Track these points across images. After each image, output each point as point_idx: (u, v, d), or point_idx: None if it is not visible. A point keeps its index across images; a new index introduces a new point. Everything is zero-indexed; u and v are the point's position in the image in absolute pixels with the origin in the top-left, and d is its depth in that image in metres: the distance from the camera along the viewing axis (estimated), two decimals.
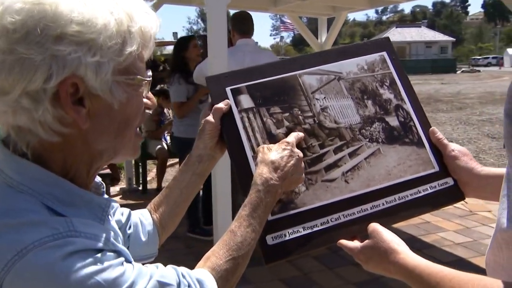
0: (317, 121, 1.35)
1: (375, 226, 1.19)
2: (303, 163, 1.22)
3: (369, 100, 1.41)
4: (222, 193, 3.59)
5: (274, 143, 1.25)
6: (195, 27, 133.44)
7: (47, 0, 0.81)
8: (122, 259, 0.84)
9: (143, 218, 1.28)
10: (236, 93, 1.33)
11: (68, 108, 0.85)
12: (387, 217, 1.28)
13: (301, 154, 1.21)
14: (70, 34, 0.82)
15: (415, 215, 1.33)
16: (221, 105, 1.30)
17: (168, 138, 7.05)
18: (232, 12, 5.31)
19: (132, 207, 1.28)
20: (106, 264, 0.79)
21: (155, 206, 1.31)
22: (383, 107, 1.41)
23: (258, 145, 1.28)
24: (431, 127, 1.40)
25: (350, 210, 1.27)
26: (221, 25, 3.40)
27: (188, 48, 5.10)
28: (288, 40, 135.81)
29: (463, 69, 59.88)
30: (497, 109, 17.03)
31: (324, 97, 1.38)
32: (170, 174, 8.04)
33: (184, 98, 4.99)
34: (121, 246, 0.87)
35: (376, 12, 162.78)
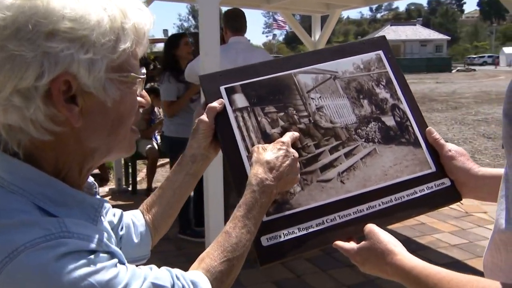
0: (312, 121, 1.35)
1: (371, 227, 1.20)
2: (298, 163, 1.22)
3: (365, 99, 1.42)
4: (214, 194, 3.58)
5: (269, 142, 1.25)
6: (186, 24, 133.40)
7: None
8: (115, 260, 0.84)
9: (136, 219, 1.27)
10: (230, 92, 1.34)
11: (60, 106, 0.85)
12: (383, 218, 1.29)
13: (296, 154, 1.21)
14: (62, 30, 0.82)
15: (412, 216, 1.34)
16: (215, 104, 1.30)
17: (158, 137, 7.04)
18: (224, 9, 5.30)
19: (122, 208, 1.28)
20: (99, 265, 0.79)
21: (147, 207, 1.31)
22: (379, 106, 1.42)
23: (252, 144, 1.28)
24: (427, 127, 1.41)
25: (346, 211, 1.28)
26: (213, 22, 3.40)
27: (179, 46, 5.09)
28: (280, 38, 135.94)
29: (458, 68, 60.19)
30: (492, 108, 17.13)
31: (320, 97, 1.39)
32: (160, 174, 8.02)
33: (174, 97, 4.99)
34: (114, 247, 0.87)
35: (371, 10, 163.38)
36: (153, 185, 6.84)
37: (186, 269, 1.00)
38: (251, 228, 1.09)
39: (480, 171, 1.32)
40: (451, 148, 1.37)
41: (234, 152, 1.28)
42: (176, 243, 4.95)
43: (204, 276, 0.98)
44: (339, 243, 1.24)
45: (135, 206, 1.33)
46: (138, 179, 7.43)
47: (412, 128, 1.41)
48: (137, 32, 0.93)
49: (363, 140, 1.37)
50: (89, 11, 0.85)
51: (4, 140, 0.89)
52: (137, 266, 0.89)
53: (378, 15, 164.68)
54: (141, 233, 1.26)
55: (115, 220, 1.21)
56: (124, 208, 1.30)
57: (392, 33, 79.22)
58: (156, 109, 7.14)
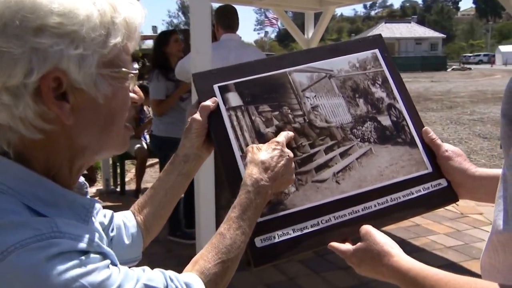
0: (307, 120, 1.36)
1: (367, 228, 1.21)
2: (293, 163, 1.23)
3: (361, 98, 1.43)
4: (205, 194, 3.57)
5: (263, 142, 1.26)
6: (175, 21, 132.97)
7: None
8: (108, 261, 0.84)
9: (127, 220, 1.27)
10: (224, 90, 1.34)
11: (50, 104, 0.85)
12: (379, 219, 1.29)
13: (291, 154, 1.22)
14: (50, 26, 0.82)
15: (408, 217, 1.35)
16: (209, 102, 1.30)
17: (147, 137, 7.02)
18: (215, 5, 5.30)
19: (110, 209, 1.28)
20: (91, 266, 0.79)
21: (139, 208, 1.31)
22: (375, 106, 1.43)
23: (246, 144, 1.29)
24: (424, 126, 1.42)
25: (341, 212, 1.29)
26: (205, 19, 3.39)
27: (169, 43, 5.09)
28: (273, 36, 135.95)
29: (453, 66, 60.49)
30: (488, 108, 17.24)
31: (315, 96, 1.39)
32: (149, 174, 8.01)
33: (162, 96, 4.99)
34: (106, 248, 0.87)
35: (365, 7, 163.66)
36: (142, 186, 6.83)
37: (176, 272, 1.00)
38: (245, 229, 1.10)
39: (477, 172, 1.33)
40: (448, 148, 1.38)
41: (227, 151, 1.29)
42: (166, 245, 4.95)
43: (198, 278, 0.98)
44: (335, 244, 1.24)
45: (123, 208, 1.33)
46: (126, 179, 7.41)
47: (408, 128, 1.42)
48: (128, 27, 0.93)
49: (359, 140, 1.38)
50: (77, 6, 0.85)
51: None
52: (129, 268, 0.89)
53: (372, 13, 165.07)
54: (132, 235, 1.26)
55: (106, 221, 1.21)
56: (112, 209, 1.29)
57: (387, 30, 79.46)
58: (145, 107, 7.13)
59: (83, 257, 0.79)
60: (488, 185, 1.26)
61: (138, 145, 6.72)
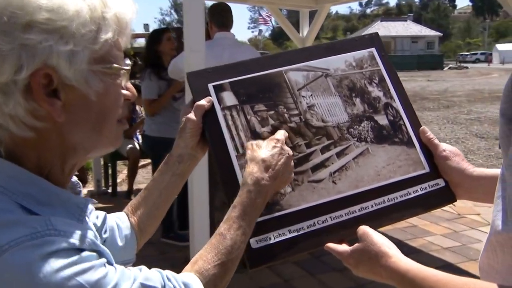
0: (303, 120, 1.37)
1: (365, 229, 1.21)
2: (292, 162, 1.23)
3: (358, 98, 1.43)
4: (199, 195, 3.57)
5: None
6: (167, 19, 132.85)
7: None
8: (104, 260, 0.84)
9: (120, 222, 1.27)
10: (218, 89, 1.34)
11: (41, 101, 0.85)
12: (376, 220, 1.30)
13: (290, 152, 1.22)
14: (39, 22, 0.82)
15: (405, 217, 1.36)
16: (203, 102, 1.30)
17: (140, 137, 7.01)
18: (209, 3, 5.30)
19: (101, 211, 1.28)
20: (87, 264, 0.80)
21: (132, 209, 1.31)
22: (371, 105, 1.44)
23: (242, 144, 1.29)
24: (421, 126, 1.43)
25: (338, 212, 1.29)
26: (198, 17, 3.39)
27: (162, 42, 5.09)
28: (267, 34, 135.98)
29: (450, 65, 60.69)
30: (485, 107, 17.30)
31: (311, 95, 1.40)
32: (141, 175, 8.00)
33: (154, 95, 4.99)
34: (102, 247, 0.87)
35: (360, 4, 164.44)
36: (134, 187, 6.82)
37: None
38: (246, 229, 1.10)
39: (475, 172, 1.34)
40: (445, 148, 1.38)
41: (222, 151, 1.29)
42: (159, 247, 4.94)
43: (196, 278, 0.99)
44: (331, 245, 1.25)
45: (115, 209, 1.33)
46: (118, 180, 7.40)
47: (406, 127, 1.42)
48: (119, 22, 0.94)
49: (356, 139, 1.39)
50: (67, 1, 0.85)
51: None
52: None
53: (368, 10, 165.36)
54: (126, 236, 1.26)
55: (98, 223, 1.21)
56: (104, 211, 1.29)
57: (382, 29, 79.65)
58: (137, 107, 7.12)
59: (79, 255, 0.80)
60: (486, 185, 1.27)
61: (130, 146, 6.71)
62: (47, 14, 0.83)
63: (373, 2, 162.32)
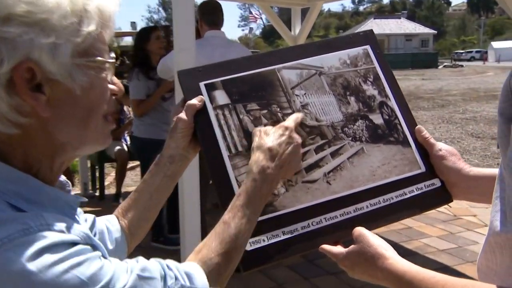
0: None
1: (361, 230, 1.22)
2: (301, 149, 1.24)
3: (352, 96, 1.44)
4: (189, 197, 3.55)
5: (251, 141, 1.27)
6: (155, 17, 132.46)
7: None
8: (99, 253, 0.85)
9: (110, 225, 1.27)
10: (210, 88, 1.35)
11: (25, 95, 0.86)
12: (372, 221, 1.31)
13: (299, 140, 1.23)
14: (19, 14, 0.83)
15: (401, 218, 1.36)
16: (195, 101, 1.31)
17: (128, 138, 6.99)
18: (199, 0, 5.31)
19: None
20: (82, 257, 0.80)
21: (123, 212, 1.31)
22: (366, 104, 1.44)
23: (234, 144, 1.30)
24: (417, 125, 1.44)
25: (333, 213, 1.30)
26: (188, 14, 3.39)
27: (150, 40, 5.08)
28: (257, 32, 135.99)
29: (445, 64, 60.91)
30: (481, 106, 17.40)
31: (305, 93, 1.41)
32: (130, 178, 7.97)
33: (143, 95, 4.98)
34: (97, 241, 0.88)
35: (353, 2, 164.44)
36: (123, 190, 6.79)
37: None
38: (251, 218, 1.11)
39: (471, 171, 1.35)
40: (442, 147, 1.39)
41: (214, 152, 1.29)
42: (149, 251, 4.92)
43: (199, 268, 0.99)
44: (326, 247, 1.25)
45: (103, 213, 1.32)
46: (106, 183, 7.37)
47: (401, 127, 1.43)
48: (102, 15, 0.94)
49: (350, 139, 1.39)
50: None
51: None
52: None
53: (361, 8, 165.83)
54: (116, 239, 1.26)
55: (87, 226, 1.21)
56: None
57: (376, 26, 79.85)
58: (125, 108, 7.09)
59: (73, 249, 0.80)
60: (483, 185, 1.28)
61: (118, 147, 6.68)
62: (26, 6, 0.83)
63: (366, 0, 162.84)
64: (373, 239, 1.19)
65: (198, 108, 1.30)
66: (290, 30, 7.23)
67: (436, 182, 1.39)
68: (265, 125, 1.33)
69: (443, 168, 1.38)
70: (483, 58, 70.72)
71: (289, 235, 1.26)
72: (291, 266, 4.51)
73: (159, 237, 5.08)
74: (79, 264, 0.79)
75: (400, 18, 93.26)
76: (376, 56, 1.49)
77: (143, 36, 5.19)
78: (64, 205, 0.94)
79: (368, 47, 1.50)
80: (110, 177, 8.03)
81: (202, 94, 1.33)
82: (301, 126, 1.36)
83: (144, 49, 5.07)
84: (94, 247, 0.85)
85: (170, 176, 1.31)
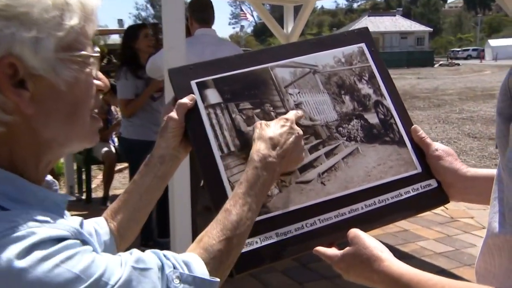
0: None
1: (356, 232, 1.22)
2: (303, 141, 1.25)
3: (347, 95, 1.45)
4: (180, 199, 3.54)
5: (244, 141, 1.27)
6: (143, 14, 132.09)
7: None
8: (90, 247, 0.85)
9: (98, 227, 1.27)
10: (202, 87, 1.35)
11: (8, 92, 0.86)
12: (367, 222, 1.31)
13: (301, 132, 1.25)
14: None
15: (397, 219, 1.38)
16: (186, 100, 1.31)
17: (116, 140, 6.97)
18: None
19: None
20: (73, 251, 0.81)
21: (112, 214, 1.31)
22: (361, 103, 1.45)
23: (226, 143, 1.30)
24: (412, 124, 1.45)
25: (327, 215, 1.31)
26: (178, 12, 3.39)
27: (138, 38, 5.08)
28: (249, 30, 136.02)
29: (441, 62, 61.10)
30: (478, 106, 17.48)
31: (298, 92, 1.41)
32: (118, 180, 7.94)
33: (131, 95, 4.97)
34: (87, 236, 0.88)
35: None
36: (110, 193, 6.77)
37: None
38: (252, 206, 1.12)
39: (468, 172, 1.36)
40: (438, 147, 1.40)
41: (206, 152, 1.30)
42: None
43: (198, 257, 0.99)
44: (321, 249, 1.26)
45: (90, 217, 1.31)
46: (93, 186, 7.33)
47: (397, 126, 1.44)
48: (84, 8, 0.94)
49: (345, 138, 1.40)
50: None
51: None
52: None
53: (355, 5, 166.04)
54: (105, 242, 1.25)
55: (77, 223, 1.21)
56: None
57: (370, 24, 79.95)
58: (113, 108, 7.07)
59: (62, 243, 0.81)
60: (480, 186, 1.29)
61: (105, 149, 6.66)
62: (4, 0, 0.84)
63: None
64: (368, 240, 1.19)
65: (189, 107, 1.31)
66: (283, 28, 7.23)
67: (433, 183, 1.40)
68: None
69: (439, 168, 1.39)
70: (480, 56, 70.97)
71: (283, 237, 1.26)
72: (284, 270, 4.51)
73: (149, 241, 5.06)
74: (69, 258, 0.80)
75: (395, 15, 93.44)
76: (372, 54, 1.50)
77: (131, 34, 5.18)
78: (52, 204, 0.94)
79: (363, 45, 1.51)
80: (97, 179, 8.00)
81: (193, 93, 1.34)
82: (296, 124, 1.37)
83: (132, 48, 5.07)
84: (85, 242, 0.86)
85: (160, 177, 1.31)
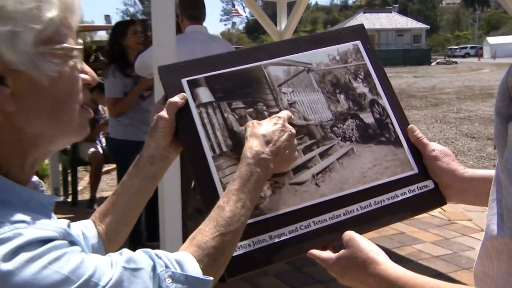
0: None
1: (351, 234, 1.23)
2: (295, 140, 1.26)
3: (342, 94, 1.46)
4: (170, 201, 3.52)
5: (237, 141, 1.28)
6: (132, 9, 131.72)
7: None
8: (78, 247, 0.85)
9: (86, 230, 1.26)
10: (193, 85, 1.35)
11: None
12: (362, 224, 1.32)
13: (293, 130, 1.26)
14: None
15: (393, 221, 1.38)
16: (176, 98, 1.31)
17: (103, 140, 6.95)
18: None
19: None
20: (60, 252, 0.81)
21: (100, 216, 1.30)
22: (357, 102, 1.46)
23: (218, 144, 1.31)
24: (409, 124, 1.46)
25: (322, 217, 1.31)
26: (168, 9, 3.39)
27: (127, 35, 5.06)
28: (241, 27, 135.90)
29: (438, 60, 61.34)
30: (476, 105, 17.54)
31: (292, 91, 1.42)
32: (105, 182, 7.92)
33: (120, 94, 4.96)
34: (75, 237, 0.88)
35: None
36: (97, 195, 6.75)
37: None
38: (246, 202, 1.13)
39: (466, 173, 1.36)
40: (435, 147, 1.41)
41: (197, 152, 1.30)
42: None
43: (191, 257, 1.00)
44: (315, 251, 1.26)
45: (75, 220, 1.31)
46: (79, 188, 7.31)
47: (393, 126, 1.45)
48: None
49: (340, 139, 1.41)
50: None
51: None
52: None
53: (350, 1, 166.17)
54: (93, 246, 1.25)
55: (64, 224, 1.21)
56: None
57: (366, 21, 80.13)
58: (100, 107, 7.05)
59: (49, 244, 0.81)
60: (478, 187, 1.30)
61: (92, 150, 6.64)
62: None
63: None
64: (364, 243, 1.20)
65: (180, 105, 1.31)
66: (276, 24, 7.23)
67: (429, 184, 1.41)
68: None
69: (436, 169, 1.39)
70: (478, 54, 71.04)
71: (276, 240, 1.27)
72: (277, 274, 4.51)
73: (137, 245, 5.05)
74: (57, 259, 0.80)
75: (391, 12, 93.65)
76: (367, 52, 1.51)
77: (119, 30, 5.17)
78: (38, 205, 0.93)
79: (358, 42, 1.52)
80: (83, 181, 7.97)
81: (184, 91, 1.34)
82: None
83: (121, 45, 5.05)
84: (73, 243, 0.86)
85: (150, 178, 1.31)
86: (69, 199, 7.05)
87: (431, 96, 21.32)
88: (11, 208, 0.86)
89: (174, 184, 3.49)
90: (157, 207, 3.62)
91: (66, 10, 0.94)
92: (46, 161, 7.04)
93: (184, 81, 1.35)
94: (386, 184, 1.38)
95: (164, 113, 1.29)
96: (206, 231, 1.05)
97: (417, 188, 1.40)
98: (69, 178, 7.10)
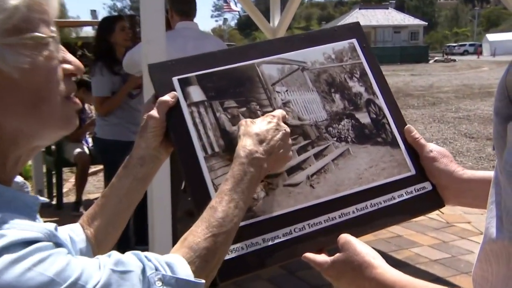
0: None
1: (347, 237, 1.23)
2: (290, 139, 1.26)
3: (337, 93, 1.46)
4: (160, 203, 3.50)
5: (229, 141, 1.28)
6: (119, 5, 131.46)
7: None
8: (65, 249, 0.85)
9: (74, 234, 1.25)
10: (184, 83, 1.35)
11: None
12: (358, 227, 1.33)
13: (288, 129, 1.26)
14: None
15: (390, 224, 1.39)
16: (167, 97, 1.31)
17: (90, 140, 6.93)
18: None
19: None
20: (45, 254, 0.80)
21: (88, 219, 1.30)
22: (352, 101, 1.47)
23: (210, 144, 1.31)
24: (406, 124, 1.47)
25: (316, 219, 1.32)
26: (157, 4, 3.39)
27: (114, 31, 5.05)
28: (232, 23, 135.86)
29: (436, 58, 61.47)
30: (475, 104, 17.60)
31: (286, 90, 1.42)
32: (92, 184, 7.89)
33: (107, 92, 4.94)
34: (61, 239, 0.88)
35: None
36: (84, 197, 6.71)
37: None
38: (239, 203, 1.13)
39: (464, 174, 1.37)
40: (433, 148, 1.42)
41: (189, 152, 1.30)
42: None
43: (182, 259, 0.99)
44: (310, 255, 1.26)
45: (61, 224, 1.31)
46: (64, 190, 7.27)
47: (389, 126, 1.46)
48: None
49: (335, 139, 1.41)
50: None
51: None
52: None
53: None
54: (80, 250, 1.24)
55: (51, 227, 1.20)
56: None
57: (362, 17, 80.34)
58: (87, 106, 7.02)
59: (34, 245, 0.80)
60: (477, 189, 1.30)
61: (78, 150, 6.60)
62: None
63: None
64: (360, 246, 1.20)
65: (171, 105, 1.31)
66: (269, 21, 7.22)
67: (427, 186, 1.41)
68: None
69: (434, 170, 1.40)
70: (477, 51, 71.32)
71: (270, 243, 1.27)
72: (271, 278, 4.50)
73: (126, 249, 5.02)
74: (41, 261, 0.79)
75: (388, 8, 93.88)
76: (363, 50, 1.52)
77: (106, 26, 5.16)
78: (22, 205, 0.92)
79: (354, 40, 1.52)
80: (69, 183, 7.93)
81: (175, 90, 1.34)
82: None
83: (108, 41, 5.04)
84: (58, 245, 0.85)
85: (140, 179, 1.30)
86: (54, 202, 7.00)
87: (428, 95, 21.38)
88: None
89: (164, 185, 3.48)
90: (146, 209, 3.61)
91: None
92: (30, 162, 7.01)
93: (175, 79, 1.35)
94: (383, 185, 1.39)
95: (154, 113, 1.29)
96: (198, 232, 1.05)
97: (415, 190, 1.41)
98: (54, 180, 7.06)
